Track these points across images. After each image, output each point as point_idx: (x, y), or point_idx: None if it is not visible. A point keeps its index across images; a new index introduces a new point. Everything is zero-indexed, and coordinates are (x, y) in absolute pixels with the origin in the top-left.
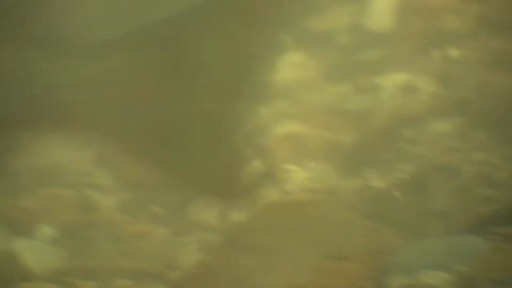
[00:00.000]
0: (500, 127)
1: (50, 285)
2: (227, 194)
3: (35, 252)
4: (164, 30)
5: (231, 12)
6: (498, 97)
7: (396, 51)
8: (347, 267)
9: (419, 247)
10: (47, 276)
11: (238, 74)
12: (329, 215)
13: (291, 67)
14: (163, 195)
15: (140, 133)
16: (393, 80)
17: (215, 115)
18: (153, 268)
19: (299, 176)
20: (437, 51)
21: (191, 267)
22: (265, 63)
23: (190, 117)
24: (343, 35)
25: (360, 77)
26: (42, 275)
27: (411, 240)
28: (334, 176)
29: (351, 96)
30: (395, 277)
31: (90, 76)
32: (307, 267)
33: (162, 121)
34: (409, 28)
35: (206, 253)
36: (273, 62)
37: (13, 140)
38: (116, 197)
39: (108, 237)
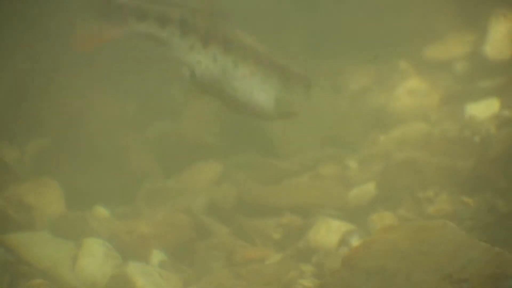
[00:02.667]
0: None
1: None
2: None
3: (148, 276)
4: None
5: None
6: None
7: None
8: None
9: None
10: None
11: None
12: (448, 239)
13: (408, 94)
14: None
15: None
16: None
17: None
18: None
19: (416, 201)
20: None
21: None
22: (385, 90)
23: None
24: (460, 63)
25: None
26: None
27: None
28: (451, 201)
29: (467, 123)
30: None
31: None
32: None
33: None
34: None
35: (321, 277)
36: (392, 90)
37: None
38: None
39: (223, 262)
